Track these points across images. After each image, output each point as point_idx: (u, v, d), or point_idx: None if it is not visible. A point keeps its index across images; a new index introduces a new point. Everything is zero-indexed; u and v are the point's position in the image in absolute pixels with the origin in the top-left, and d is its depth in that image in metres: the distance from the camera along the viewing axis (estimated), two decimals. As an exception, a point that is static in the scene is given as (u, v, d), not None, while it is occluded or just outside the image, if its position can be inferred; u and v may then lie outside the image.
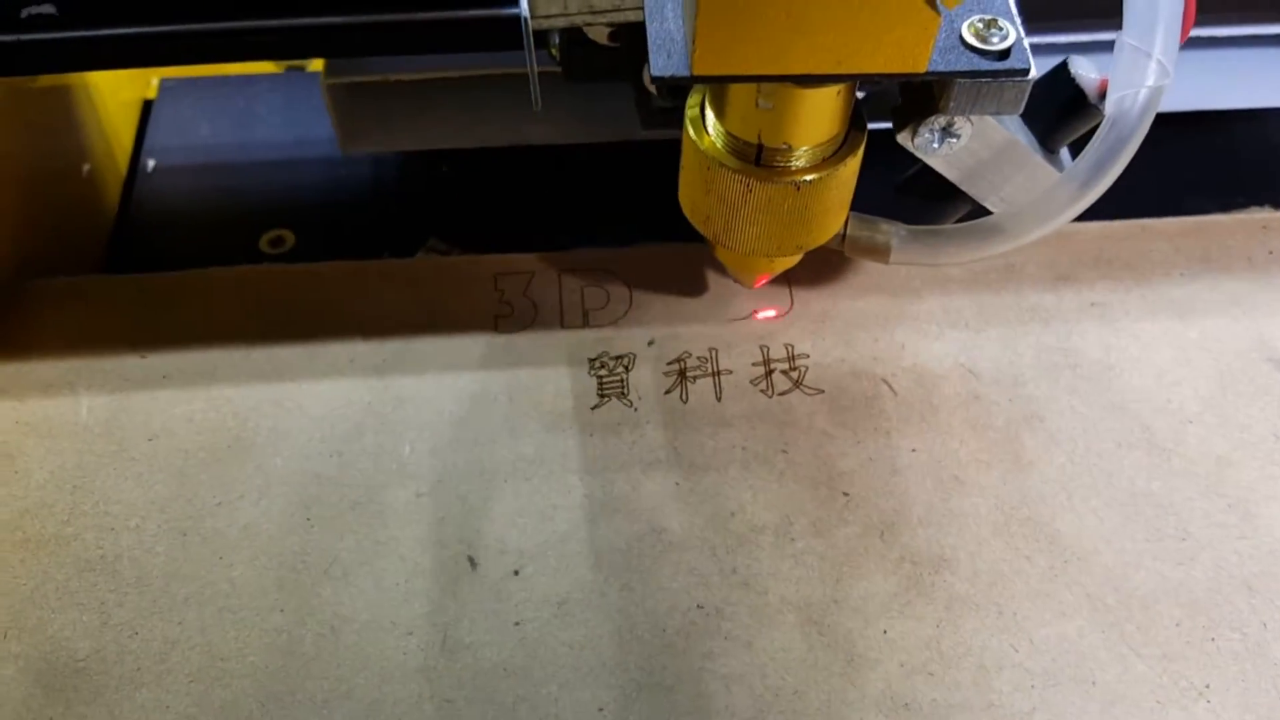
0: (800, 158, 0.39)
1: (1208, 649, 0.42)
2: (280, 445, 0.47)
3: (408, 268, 0.53)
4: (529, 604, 0.43)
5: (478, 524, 0.45)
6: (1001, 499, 0.45)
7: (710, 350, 0.50)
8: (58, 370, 0.49)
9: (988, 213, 0.44)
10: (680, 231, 0.52)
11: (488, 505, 0.45)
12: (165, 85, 0.70)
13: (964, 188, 0.43)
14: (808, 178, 0.39)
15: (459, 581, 0.44)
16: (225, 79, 0.70)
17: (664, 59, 0.34)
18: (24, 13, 0.45)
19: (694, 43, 0.32)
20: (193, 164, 0.65)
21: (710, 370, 0.49)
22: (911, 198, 0.47)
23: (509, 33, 0.42)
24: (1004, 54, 0.35)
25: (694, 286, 0.52)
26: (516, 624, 0.43)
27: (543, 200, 0.62)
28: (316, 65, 0.73)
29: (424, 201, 0.63)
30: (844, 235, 0.44)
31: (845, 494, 0.46)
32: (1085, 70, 0.41)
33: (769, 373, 0.49)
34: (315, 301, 0.51)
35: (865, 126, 0.40)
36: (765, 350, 0.50)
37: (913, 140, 0.39)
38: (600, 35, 0.42)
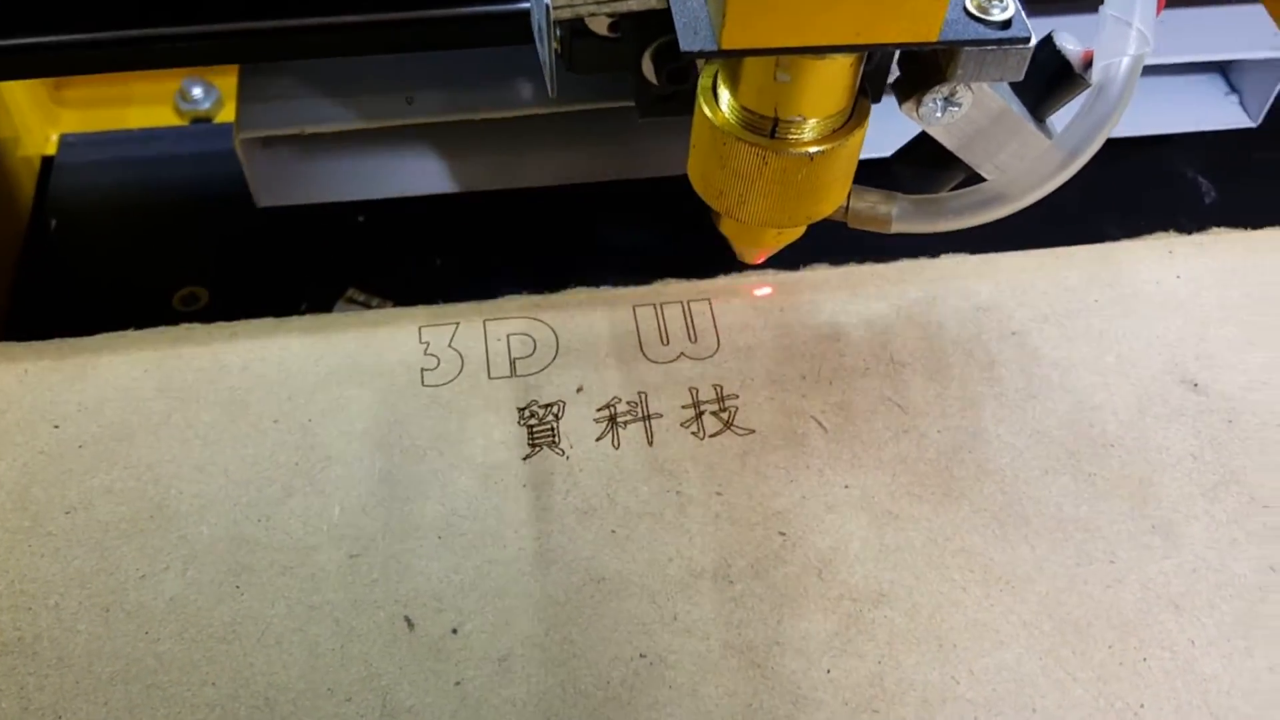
0: (812, 129, 0.40)
1: (1140, 669, 0.43)
2: (205, 512, 0.45)
3: (329, 322, 0.52)
4: (469, 662, 0.42)
5: (413, 583, 0.44)
6: (935, 531, 0.46)
7: (639, 394, 0.50)
8: (-37, 444, 0.47)
9: (978, 181, 0.46)
10: (606, 274, 0.52)
11: (423, 563, 0.45)
12: (66, 140, 0.68)
13: (962, 156, 0.45)
14: (819, 148, 0.40)
15: (396, 643, 0.43)
16: (128, 133, 0.69)
17: (692, 35, 0.36)
18: None
19: (724, 17, 0.34)
20: (98, 221, 0.63)
21: (640, 414, 0.49)
22: (907, 169, 0.49)
23: (512, 29, 0.45)
24: (1005, 24, 0.37)
25: (620, 330, 0.52)
26: (458, 683, 0.42)
27: (462, 248, 0.62)
28: (222, 117, 0.71)
29: (340, 252, 0.62)
30: (847, 206, 0.46)
31: (781, 533, 0.46)
32: (1069, 43, 0.43)
33: (699, 415, 0.49)
34: (234, 360, 0.50)
35: (869, 101, 0.42)
36: (695, 392, 0.50)
37: (917, 110, 0.41)
38: (601, 26, 0.43)
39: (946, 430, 0.49)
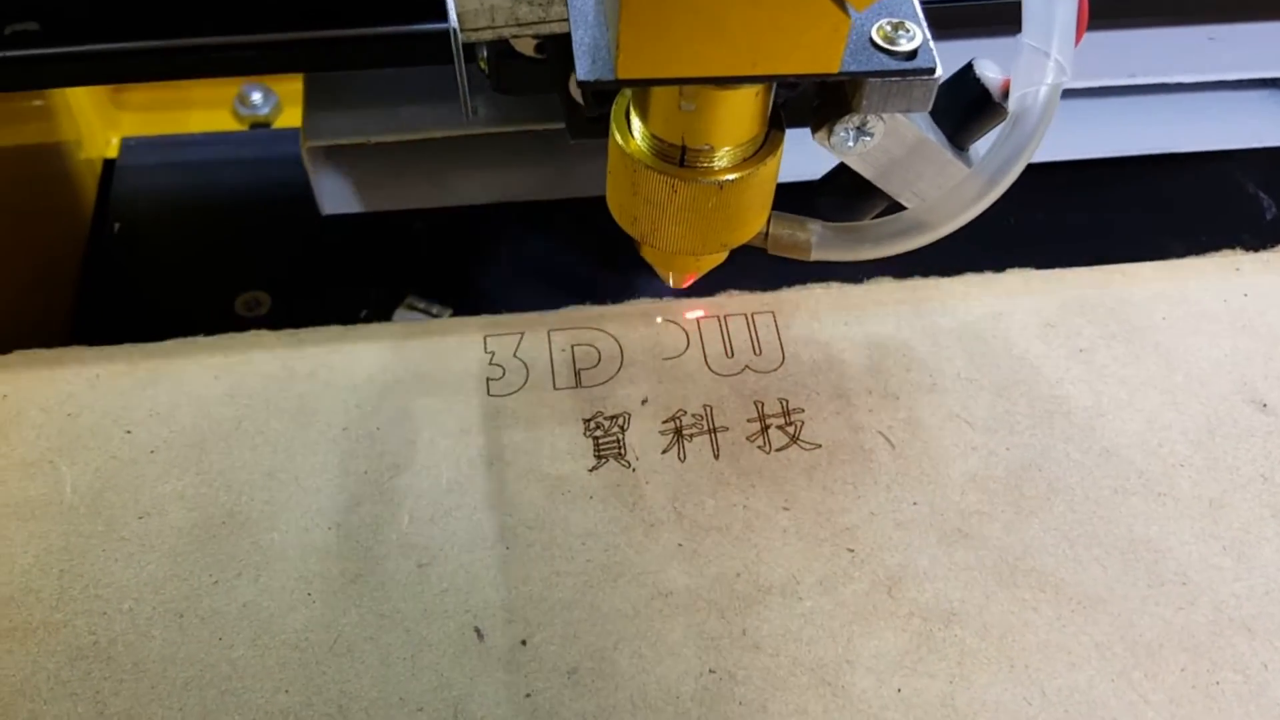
0: (722, 158, 0.40)
1: (1213, 692, 0.43)
2: (276, 519, 0.46)
3: (395, 330, 0.53)
4: (539, 674, 0.43)
5: (483, 593, 0.44)
6: (1005, 550, 0.46)
7: (705, 407, 0.50)
8: (38, 448, 0.48)
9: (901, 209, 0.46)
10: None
11: (491, 574, 0.45)
12: (127, 144, 0.68)
13: (879, 185, 0.45)
14: (729, 177, 0.40)
15: (466, 653, 0.43)
16: (188, 137, 0.69)
17: (589, 64, 0.35)
18: (7, 29, 0.45)
19: (618, 48, 0.33)
20: (161, 225, 0.64)
21: (706, 427, 0.49)
22: (829, 197, 0.48)
23: (439, 47, 0.43)
24: (911, 54, 0.36)
25: (684, 342, 0.52)
26: (528, 695, 0.42)
27: (521, 257, 0.62)
28: (281, 122, 0.72)
29: (400, 259, 0.62)
30: (767, 233, 0.45)
31: (850, 550, 0.46)
32: (990, 71, 0.43)
33: (765, 428, 0.49)
34: (303, 368, 0.50)
35: (784, 127, 0.41)
36: (760, 405, 0.50)
37: (829, 139, 0.41)
38: (527, 47, 0.43)
39: (1015, 447, 0.48)
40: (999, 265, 0.55)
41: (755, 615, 0.44)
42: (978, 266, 0.54)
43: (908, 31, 0.37)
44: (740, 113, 0.39)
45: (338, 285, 0.61)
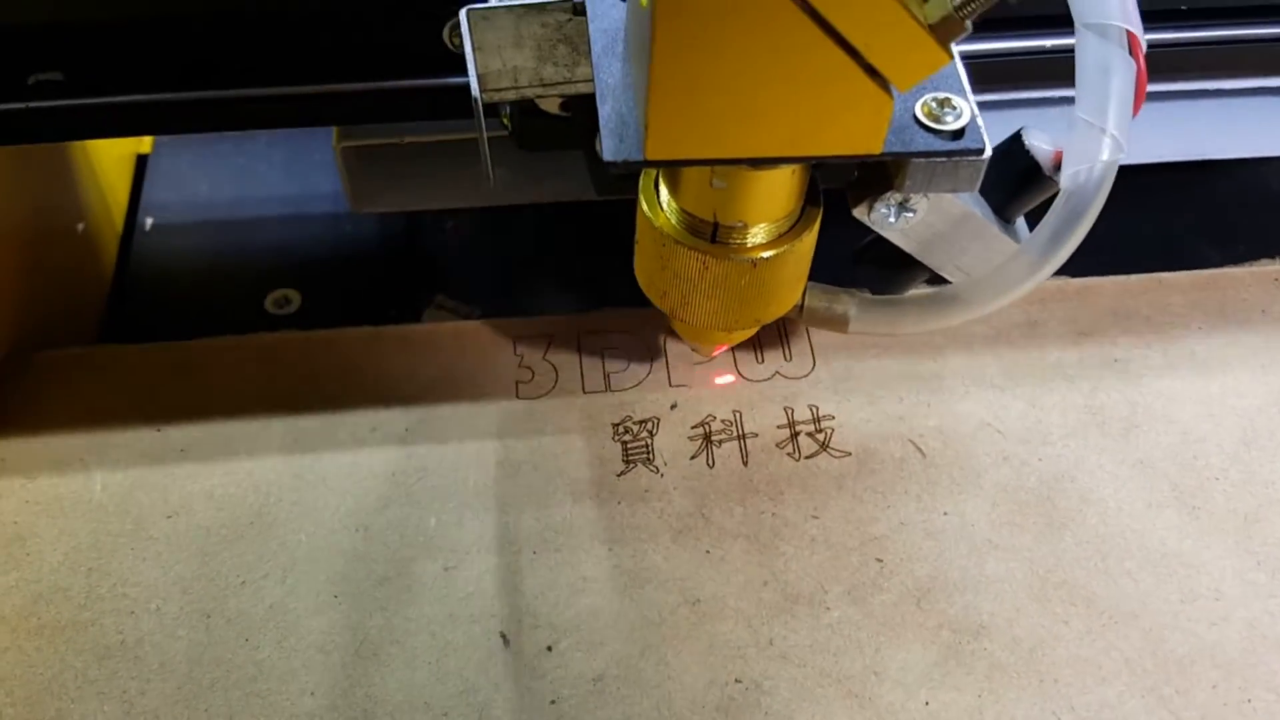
0: (756, 234, 0.38)
1: (1244, 710, 0.42)
2: (304, 520, 0.46)
3: (424, 332, 0.53)
4: (565, 681, 0.42)
5: (508, 598, 0.44)
6: (1036, 562, 0.45)
7: (734, 413, 0.50)
8: (68, 446, 0.48)
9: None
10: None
11: (517, 578, 0.45)
12: (160, 140, 0.69)
13: (921, 259, 0.43)
14: (764, 254, 0.38)
15: (492, 659, 0.43)
16: (221, 135, 0.69)
17: (616, 142, 0.33)
18: (31, 79, 0.44)
19: (647, 128, 0.32)
20: (192, 222, 0.64)
21: (735, 433, 0.49)
22: (869, 266, 0.46)
23: (460, 101, 0.41)
24: (958, 134, 0.34)
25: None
26: (553, 702, 0.42)
27: (550, 260, 0.62)
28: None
29: (430, 259, 0.62)
30: (802, 306, 0.44)
31: (879, 560, 0.45)
32: (1040, 142, 0.40)
33: (794, 435, 0.49)
34: (333, 369, 0.50)
35: (821, 201, 0.39)
36: (790, 412, 0.50)
37: (869, 215, 0.39)
38: (552, 106, 0.42)
39: (1047, 458, 0.48)
40: (1033, 272, 0.54)
41: (782, 624, 0.44)
42: (1012, 274, 0.54)
43: (954, 109, 0.35)
44: (775, 191, 0.37)
45: (368, 284, 0.61)
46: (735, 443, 0.49)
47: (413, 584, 0.44)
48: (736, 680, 0.42)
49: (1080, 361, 0.51)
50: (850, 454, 0.48)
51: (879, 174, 0.38)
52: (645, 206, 0.39)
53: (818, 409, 0.50)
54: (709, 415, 0.49)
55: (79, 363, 0.51)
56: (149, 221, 0.65)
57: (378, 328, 0.52)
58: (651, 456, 0.48)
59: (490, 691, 0.42)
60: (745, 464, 0.48)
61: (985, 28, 0.47)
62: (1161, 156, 0.61)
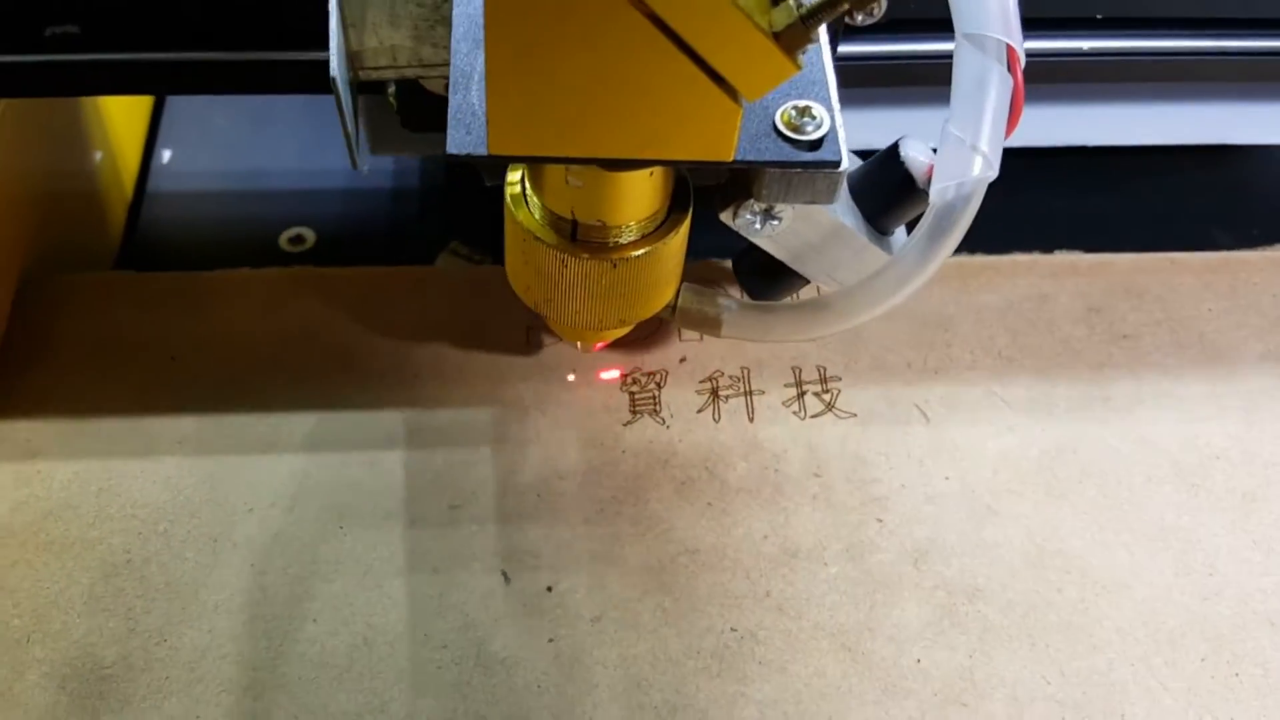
0: (620, 234, 0.37)
1: (1232, 684, 0.43)
2: (314, 452, 0.46)
3: (437, 275, 0.53)
4: (563, 620, 0.43)
5: (511, 538, 0.45)
6: (1033, 530, 0.46)
7: (743, 369, 0.50)
8: (82, 369, 0.48)
9: None
10: (714, 247, 0.52)
11: (521, 519, 0.45)
12: (181, 74, 0.69)
13: (794, 267, 0.42)
14: (627, 255, 0.37)
15: (493, 595, 0.43)
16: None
17: (462, 134, 0.32)
18: (48, 31, 0.43)
19: (487, 122, 0.30)
20: (210, 156, 0.64)
21: (743, 390, 0.49)
22: (747, 274, 0.45)
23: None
24: (816, 144, 0.33)
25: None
26: (550, 640, 0.43)
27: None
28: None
29: (446, 204, 0.62)
30: (674, 306, 0.42)
31: (879, 520, 0.46)
32: (916, 153, 0.39)
33: (801, 394, 0.49)
34: (346, 306, 0.51)
35: (689, 203, 0.38)
36: (798, 372, 0.50)
37: (733, 220, 0.38)
38: (438, 86, 0.40)
39: (1051, 429, 0.48)
40: (1048, 246, 0.54)
41: (780, 578, 0.44)
42: (1026, 246, 0.54)
43: (815, 118, 0.33)
44: (634, 192, 0.36)
45: (383, 227, 0.61)
46: (742, 399, 0.49)
47: (418, 519, 0.45)
48: (732, 629, 0.43)
49: (1089, 336, 0.51)
50: (855, 415, 0.49)
51: (741, 180, 0.37)
52: (510, 201, 0.38)
53: (825, 370, 0.50)
54: (717, 371, 0.50)
55: (95, 288, 0.51)
56: (167, 154, 0.65)
57: (391, 268, 0.53)
58: (658, 408, 0.49)
59: (489, 627, 0.43)
60: (751, 420, 0.48)
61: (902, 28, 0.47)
62: (1185, 139, 0.61)
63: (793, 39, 0.27)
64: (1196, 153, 0.63)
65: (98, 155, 0.63)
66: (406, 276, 0.52)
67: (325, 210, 0.62)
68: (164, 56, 0.44)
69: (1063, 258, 0.54)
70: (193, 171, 0.64)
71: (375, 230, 0.61)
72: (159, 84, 0.50)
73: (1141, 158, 0.62)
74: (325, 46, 0.40)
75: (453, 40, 0.34)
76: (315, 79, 0.43)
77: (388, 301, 0.51)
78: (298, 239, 0.61)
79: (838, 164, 0.33)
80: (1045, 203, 0.60)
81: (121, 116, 0.65)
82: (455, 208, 0.62)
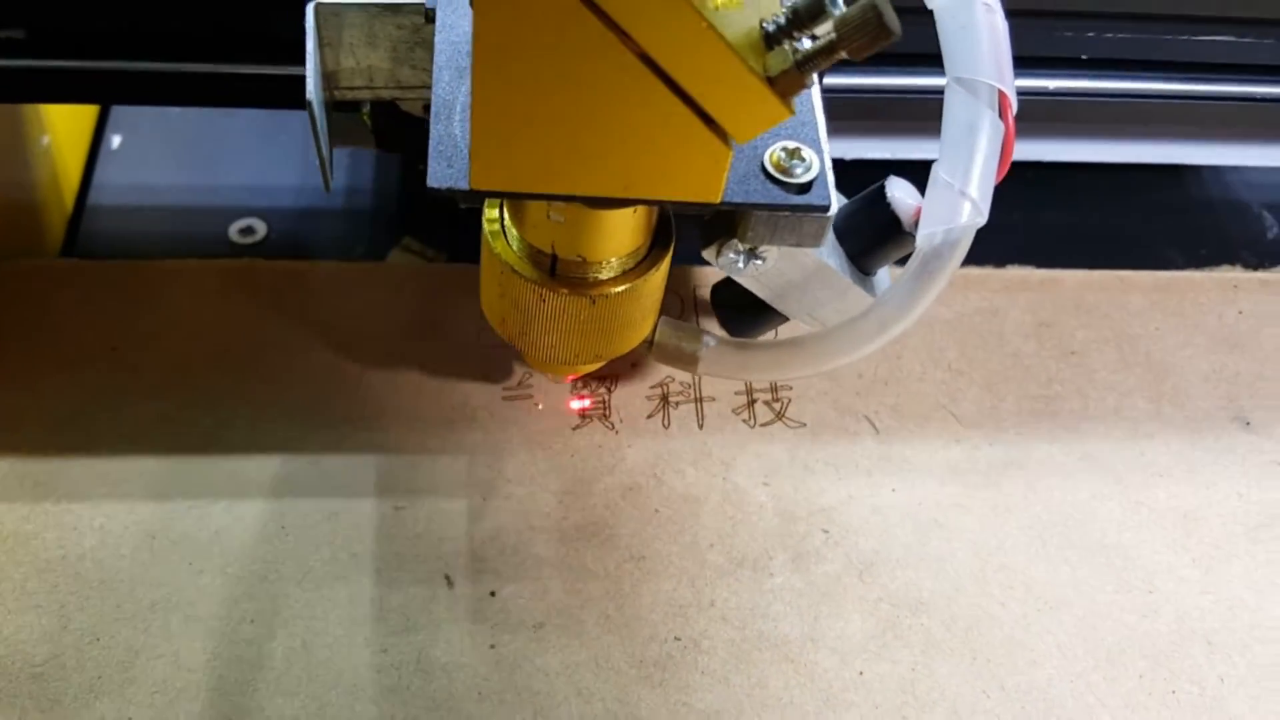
0: (599, 270, 0.37)
1: (1168, 701, 0.43)
2: (256, 448, 0.46)
3: (390, 270, 0.52)
4: (505, 626, 0.43)
5: (456, 542, 0.44)
6: (979, 544, 0.46)
7: (694, 376, 0.50)
8: (21, 358, 0.47)
9: None
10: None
11: (466, 523, 0.45)
12: (133, 58, 0.67)
13: (776, 306, 0.41)
14: (606, 291, 0.37)
15: (435, 600, 0.43)
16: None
17: (444, 167, 0.31)
18: None
19: (471, 155, 0.30)
20: (161, 143, 0.63)
21: (693, 397, 0.49)
22: (724, 309, 0.45)
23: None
24: (805, 187, 0.33)
25: (680, 308, 0.52)
26: (492, 646, 0.42)
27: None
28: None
29: (399, 199, 0.62)
30: (652, 340, 0.42)
31: (825, 531, 0.46)
32: (903, 194, 0.39)
33: (751, 403, 0.49)
34: (295, 299, 0.50)
35: (671, 241, 0.38)
36: (748, 381, 0.50)
37: (716, 258, 0.38)
38: (415, 108, 0.40)
39: (999, 444, 0.49)
40: (999, 261, 0.55)
41: (725, 587, 0.44)
42: (978, 260, 0.54)
43: (804, 160, 0.33)
44: (616, 229, 0.35)
45: (335, 220, 0.60)
46: (692, 405, 0.49)
47: (362, 521, 0.44)
48: (676, 638, 0.43)
49: (1038, 351, 0.52)
50: (805, 425, 0.49)
51: (725, 219, 0.37)
52: (487, 232, 0.37)
53: (775, 380, 0.50)
54: (668, 377, 0.50)
55: (38, 275, 0.50)
56: (116, 140, 0.63)
57: (342, 262, 0.52)
58: (608, 413, 0.48)
59: (431, 631, 0.42)
60: (701, 427, 0.48)
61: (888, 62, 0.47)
62: (1138, 158, 0.62)
63: (788, 84, 0.27)
64: (1150, 172, 0.64)
65: (43, 140, 0.61)
66: (357, 271, 0.52)
67: (277, 202, 0.61)
68: (111, 65, 0.42)
69: (1014, 272, 0.54)
70: (143, 158, 0.63)
71: (327, 224, 0.60)
72: (106, 94, 0.48)
73: (1095, 175, 0.62)
74: (282, 60, 0.39)
75: (435, 68, 0.33)
76: (271, 93, 0.42)
77: (337, 296, 0.50)
78: (248, 230, 0.60)
79: (827, 208, 0.33)
80: (998, 217, 0.60)
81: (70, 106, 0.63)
82: (408, 203, 0.61)
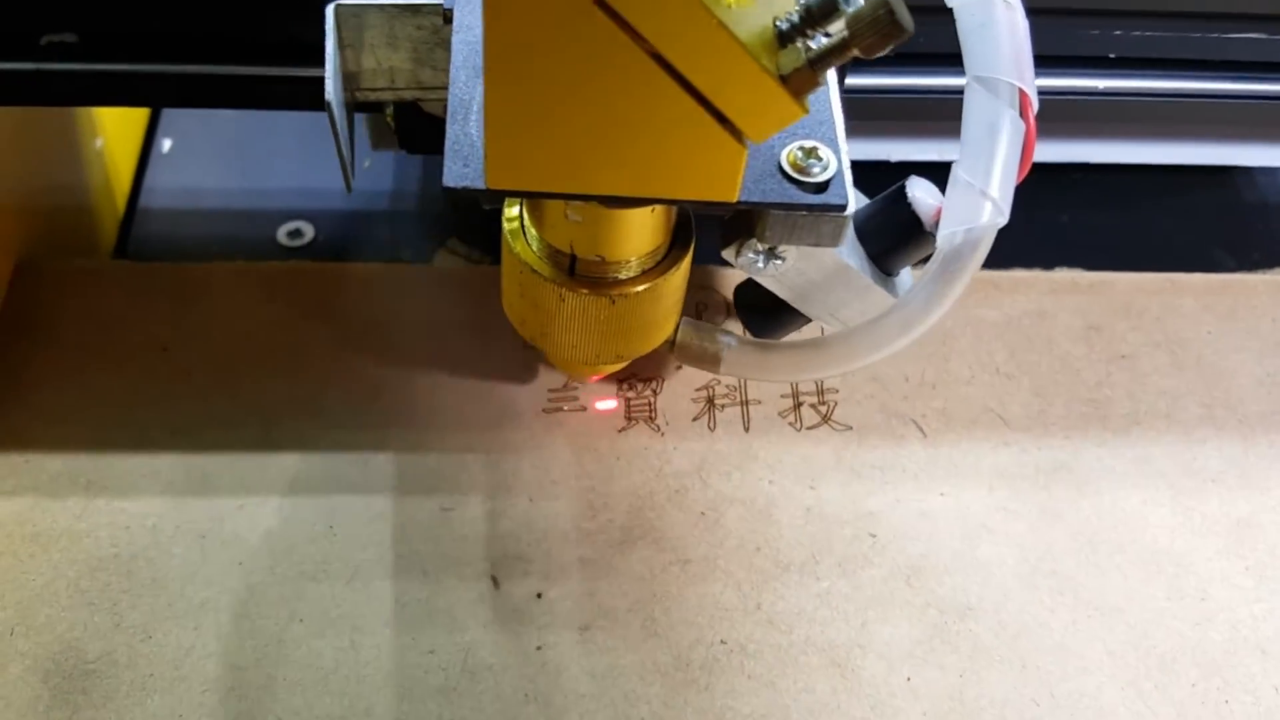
0: (619, 269, 0.37)
1: (1222, 711, 0.43)
2: (305, 449, 0.46)
3: (437, 274, 0.53)
4: (551, 628, 0.43)
5: (502, 543, 0.44)
6: (1027, 549, 0.45)
7: (739, 379, 0.50)
8: (73, 359, 0.48)
9: None
10: (714, 254, 0.52)
11: (513, 525, 0.45)
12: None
13: (797, 306, 0.41)
14: (626, 291, 0.37)
15: (482, 601, 0.43)
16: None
17: (460, 167, 0.31)
18: (44, 39, 0.42)
19: (485, 156, 0.30)
20: (211, 146, 0.64)
21: (739, 399, 0.49)
22: (747, 310, 0.45)
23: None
24: (822, 186, 0.33)
25: (726, 310, 0.52)
26: (539, 648, 0.42)
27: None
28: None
29: (443, 201, 0.62)
30: (674, 341, 0.42)
31: (872, 535, 0.45)
32: (924, 194, 0.38)
33: (797, 405, 0.49)
34: (343, 302, 0.50)
35: (690, 240, 0.38)
36: (794, 383, 0.50)
37: (735, 258, 0.37)
38: (436, 109, 0.40)
39: (1048, 448, 0.48)
40: (1048, 263, 0.54)
41: (771, 591, 0.44)
42: (1026, 262, 0.54)
43: (821, 160, 0.33)
44: (635, 229, 0.35)
45: (381, 223, 0.61)
46: (738, 408, 0.49)
47: (409, 522, 0.45)
48: (722, 641, 0.43)
49: (1088, 355, 0.51)
50: (851, 428, 0.48)
51: (744, 219, 0.36)
52: (507, 232, 0.37)
53: (822, 382, 0.50)
54: (713, 380, 0.50)
55: (90, 277, 0.51)
56: (167, 144, 0.64)
57: (389, 264, 0.52)
58: (654, 415, 0.48)
59: (478, 633, 0.42)
60: (746, 430, 0.48)
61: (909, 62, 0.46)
62: (1189, 159, 0.61)
63: (801, 83, 0.27)
64: (1200, 173, 0.63)
65: (97, 142, 0.62)
66: (403, 273, 0.52)
67: (325, 205, 0.62)
68: (162, 68, 0.43)
69: (1063, 275, 0.54)
70: (193, 161, 0.64)
71: (374, 226, 0.61)
72: (156, 97, 0.48)
73: (1145, 177, 0.62)
74: (319, 63, 0.39)
75: (451, 68, 0.33)
76: (317, 96, 0.43)
77: (384, 298, 0.51)
78: (296, 233, 0.60)
79: (844, 208, 0.33)
80: (1046, 219, 0.60)
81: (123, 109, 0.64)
82: (453, 205, 0.62)
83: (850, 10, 0.26)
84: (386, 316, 0.50)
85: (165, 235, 0.60)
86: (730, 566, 0.44)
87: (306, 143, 0.64)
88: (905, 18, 0.26)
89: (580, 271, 0.37)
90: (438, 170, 0.63)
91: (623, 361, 0.43)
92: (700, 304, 0.52)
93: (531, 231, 0.37)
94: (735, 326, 0.47)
